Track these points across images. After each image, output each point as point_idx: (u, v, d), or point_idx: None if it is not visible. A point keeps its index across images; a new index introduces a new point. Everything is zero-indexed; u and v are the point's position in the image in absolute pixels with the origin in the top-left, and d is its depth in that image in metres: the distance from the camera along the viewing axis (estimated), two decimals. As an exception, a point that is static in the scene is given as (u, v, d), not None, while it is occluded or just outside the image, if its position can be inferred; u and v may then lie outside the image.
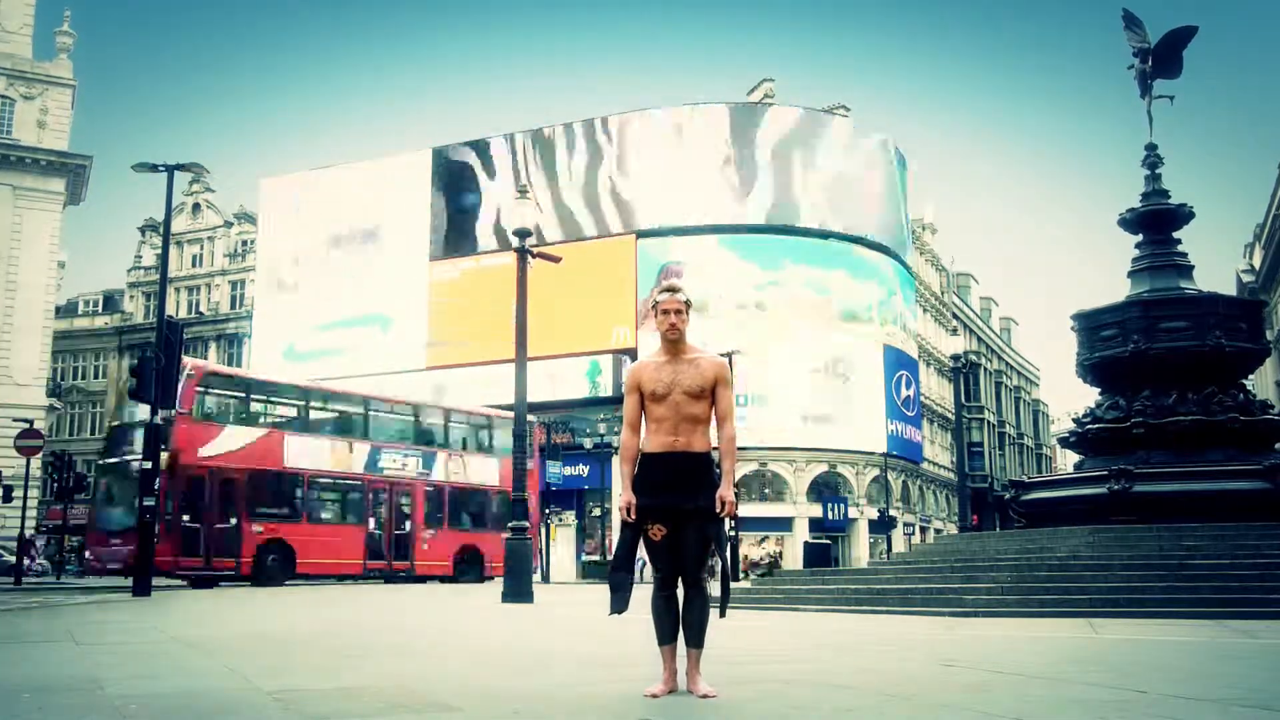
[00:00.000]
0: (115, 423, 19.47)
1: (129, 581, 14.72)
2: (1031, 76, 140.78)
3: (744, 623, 8.56)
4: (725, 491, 3.89)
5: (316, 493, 19.56)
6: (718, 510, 3.88)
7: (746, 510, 30.05)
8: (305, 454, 19.00)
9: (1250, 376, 15.37)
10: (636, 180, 39.01)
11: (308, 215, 44.52)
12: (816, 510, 37.22)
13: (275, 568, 18.01)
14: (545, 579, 28.08)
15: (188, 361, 17.19)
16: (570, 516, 37.57)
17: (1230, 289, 38.45)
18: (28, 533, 24.09)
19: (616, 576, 3.96)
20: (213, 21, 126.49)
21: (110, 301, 51.85)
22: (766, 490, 37.37)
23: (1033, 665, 5.35)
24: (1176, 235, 14.60)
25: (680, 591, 3.99)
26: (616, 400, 33.16)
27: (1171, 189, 14.47)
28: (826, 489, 38.14)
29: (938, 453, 49.87)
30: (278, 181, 46.69)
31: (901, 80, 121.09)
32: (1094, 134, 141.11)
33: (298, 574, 18.60)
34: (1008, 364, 64.26)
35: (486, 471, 22.17)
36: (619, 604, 3.93)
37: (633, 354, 35.23)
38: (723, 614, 4.08)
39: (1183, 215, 14.44)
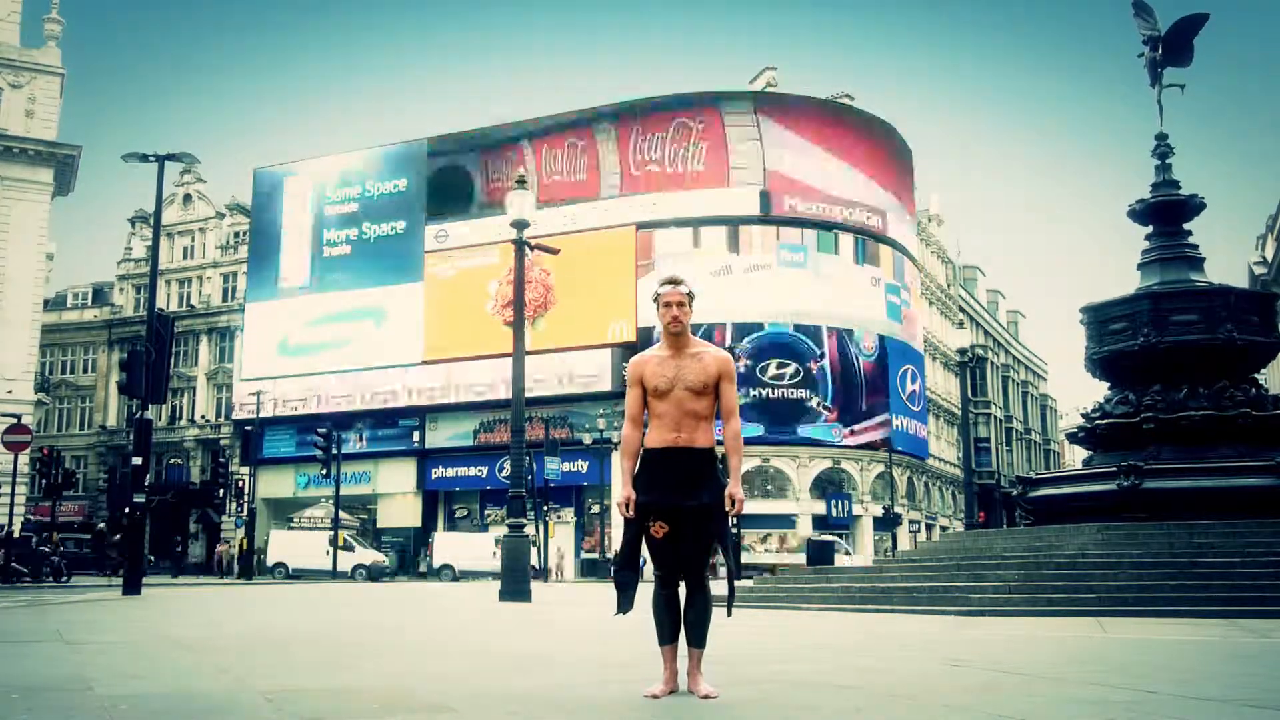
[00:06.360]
0: None
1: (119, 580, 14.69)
2: (1040, 65, 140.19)
3: (747, 622, 8.48)
4: (735, 489, 3.82)
5: None
6: (727, 508, 3.80)
7: (749, 507, 29.97)
8: None
9: (1262, 371, 15.21)
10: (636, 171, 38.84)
11: (301, 206, 44.31)
12: (820, 507, 37.11)
13: None
14: (544, 578, 28.03)
15: None
16: (569, 513, 37.47)
17: (1242, 281, 38.18)
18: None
19: (622, 575, 3.91)
20: (204, 9, 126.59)
21: (99, 294, 51.23)
22: (769, 486, 37.25)
23: (1040, 665, 5.28)
24: (1187, 227, 14.45)
25: (682, 590, 3.92)
26: (616, 395, 33.09)
27: (1182, 179, 14.34)
28: (830, 485, 38.00)
29: (944, 448, 49.70)
30: (271, 172, 46.34)
31: (906, 70, 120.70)
32: (1104, 123, 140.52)
33: None
34: (1015, 358, 64.00)
35: None
36: (625, 604, 3.86)
37: (632, 348, 35.03)
38: (729, 613, 4.00)
39: (1193, 206, 14.29)
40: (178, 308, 46.15)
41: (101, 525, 35.15)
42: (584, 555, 36.43)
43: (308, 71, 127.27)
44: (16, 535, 23.03)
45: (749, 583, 15.55)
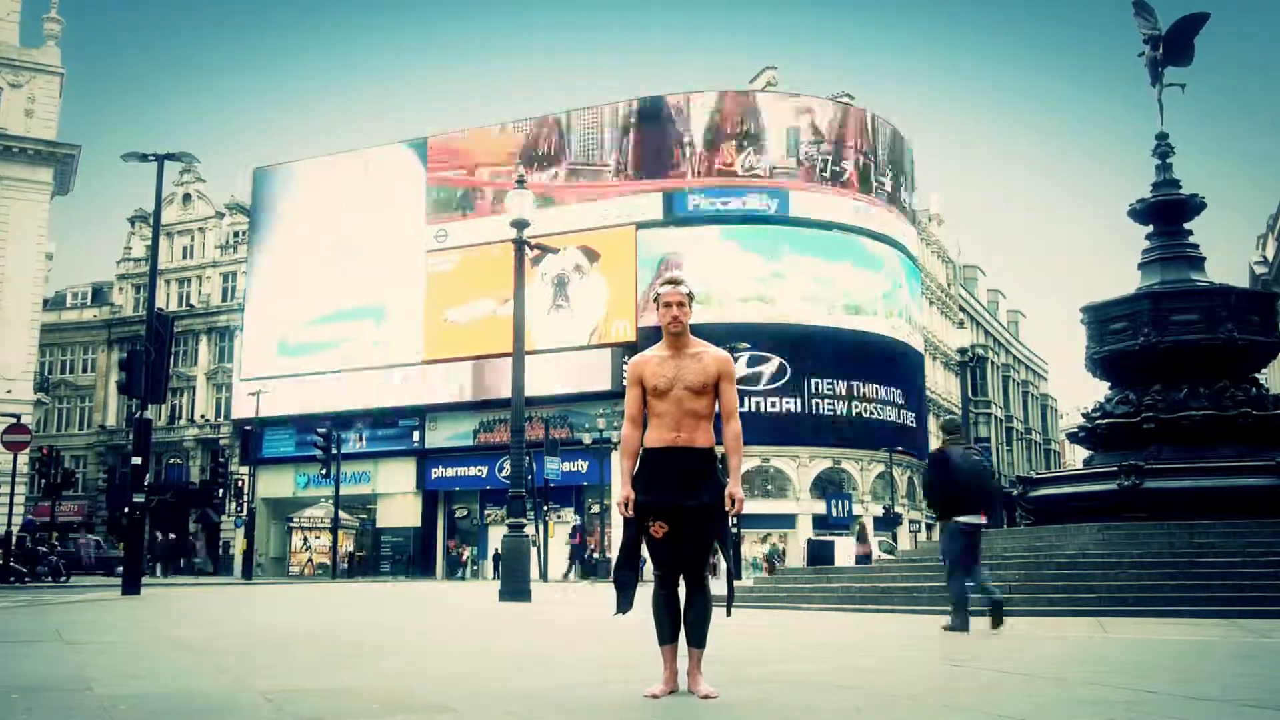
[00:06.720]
0: None
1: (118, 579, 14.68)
2: (1040, 65, 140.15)
3: (747, 622, 8.48)
4: (735, 488, 3.82)
5: None
6: (727, 508, 3.80)
7: (748, 507, 29.90)
8: None
9: (1263, 371, 15.20)
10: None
11: (301, 205, 44.23)
12: (820, 507, 37.08)
13: None
14: (543, 578, 28.02)
15: None
16: (569, 513, 37.45)
17: (1243, 281, 38.15)
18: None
19: (622, 575, 3.91)
20: (204, 9, 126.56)
21: (99, 294, 51.11)
22: (769, 486, 37.23)
23: (1040, 665, 5.27)
24: (1188, 226, 14.45)
25: (682, 590, 3.92)
26: (615, 395, 33.06)
27: (1182, 179, 14.35)
28: (830, 485, 37.98)
29: (944, 448, 49.58)
30: (271, 171, 46.19)
31: (906, 69, 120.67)
32: (1104, 123, 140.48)
33: None
34: (1015, 358, 64.01)
35: None
36: (624, 604, 3.86)
37: (632, 348, 34.97)
38: (729, 613, 4.01)
39: (1194, 206, 14.29)
40: (177, 307, 46.04)
41: (99, 538, 35.14)
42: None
43: (308, 71, 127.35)
44: (14, 535, 22.99)
45: (748, 582, 15.56)
